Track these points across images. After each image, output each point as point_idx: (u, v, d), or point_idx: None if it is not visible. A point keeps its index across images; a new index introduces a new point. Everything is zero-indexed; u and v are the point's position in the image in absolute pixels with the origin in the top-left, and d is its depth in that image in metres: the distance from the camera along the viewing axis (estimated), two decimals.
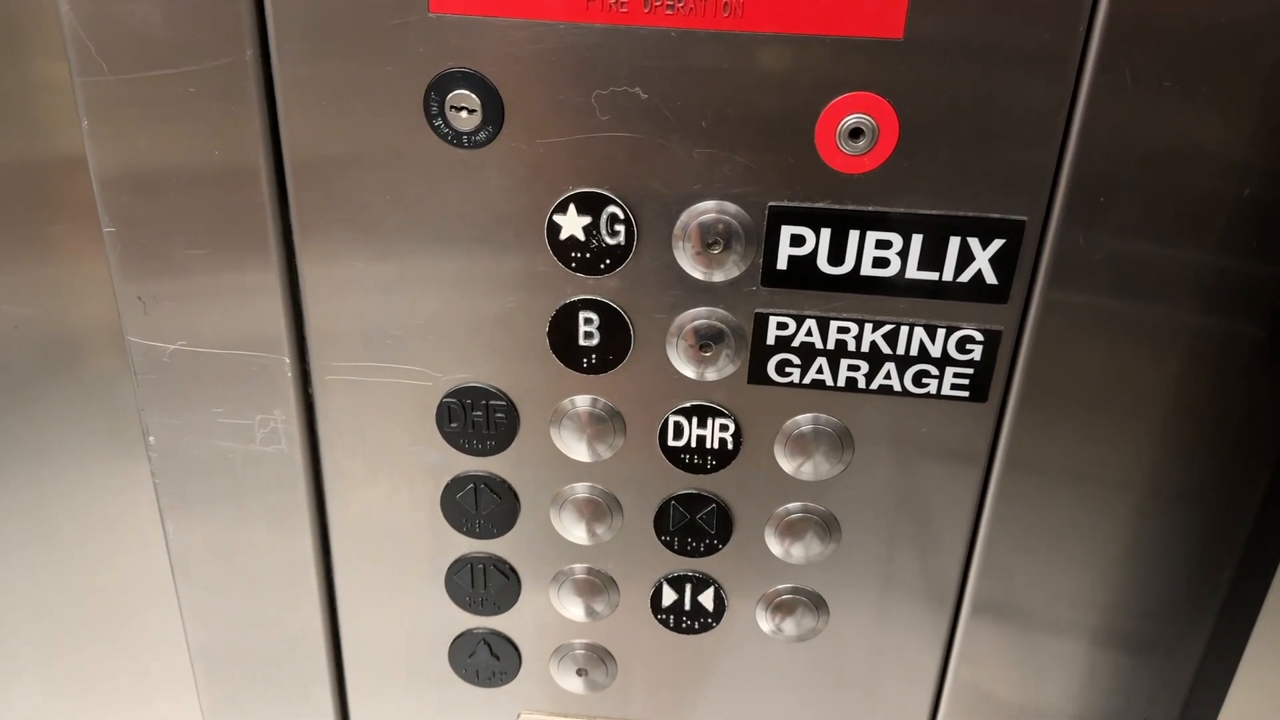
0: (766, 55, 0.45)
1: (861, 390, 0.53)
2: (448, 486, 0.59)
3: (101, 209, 0.52)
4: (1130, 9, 0.43)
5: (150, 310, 0.54)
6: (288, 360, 0.55)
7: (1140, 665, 0.61)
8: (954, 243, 0.49)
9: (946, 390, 0.53)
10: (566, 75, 0.47)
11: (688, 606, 0.61)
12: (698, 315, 0.52)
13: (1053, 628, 0.60)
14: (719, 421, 0.55)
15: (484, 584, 0.62)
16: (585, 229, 0.50)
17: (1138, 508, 0.56)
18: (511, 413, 0.56)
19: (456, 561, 0.61)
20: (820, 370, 0.53)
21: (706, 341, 0.53)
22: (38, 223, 0.59)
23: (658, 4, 0.44)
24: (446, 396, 0.56)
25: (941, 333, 0.51)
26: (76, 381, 0.63)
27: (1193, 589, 0.58)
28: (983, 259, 0.49)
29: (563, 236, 0.51)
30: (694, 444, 0.56)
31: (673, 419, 0.55)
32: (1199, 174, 0.46)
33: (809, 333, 0.52)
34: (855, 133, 0.46)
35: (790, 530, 0.58)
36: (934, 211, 0.48)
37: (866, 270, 0.50)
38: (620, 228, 0.50)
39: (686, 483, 0.58)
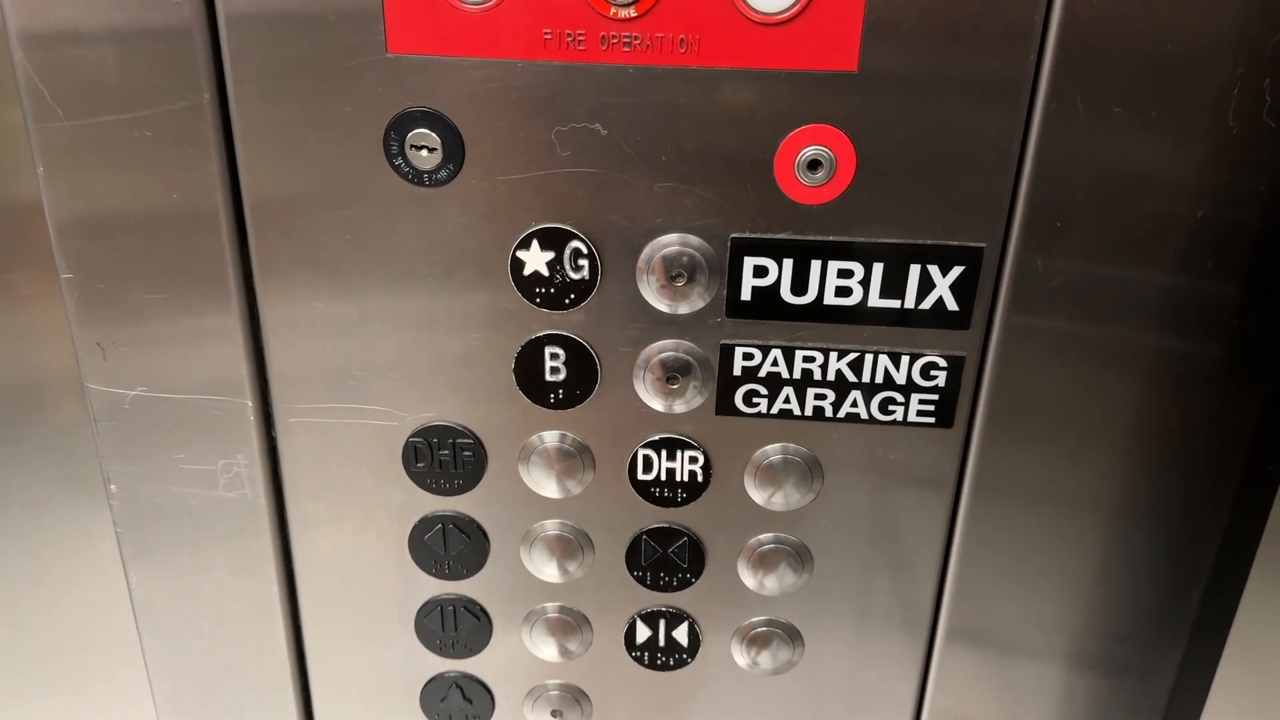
0: (723, 90, 0.46)
1: (829, 419, 0.54)
2: (415, 527, 0.58)
3: (58, 255, 0.51)
4: (1079, 39, 0.44)
5: (109, 356, 0.54)
6: (250, 404, 0.54)
7: (1115, 687, 0.61)
8: (914, 270, 0.49)
9: (913, 417, 0.53)
10: (526, 113, 0.47)
11: (662, 642, 0.61)
12: (664, 348, 0.52)
13: (1027, 652, 0.60)
14: (688, 454, 0.55)
15: (455, 626, 0.61)
16: (549, 264, 0.50)
17: (1106, 529, 0.56)
18: (479, 451, 0.55)
19: (426, 604, 0.60)
20: (787, 400, 0.53)
21: (673, 374, 0.53)
22: None
23: (614, 41, 0.45)
24: (412, 436, 0.55)
25: (905, 360, 0.52)
26: (36, 429, 0.62)
27: (1164, 609, 0.58)
28: (943, 286, 0.49)
29: (526, 272, 0.51)
30: (664, 477, 0.56)
31: (642, 452, 0.55)
32: (1152, 198, 0.47)
33: (775, 363, 0.52)
34: (813, 164, 0.47)
35: (763, 562, 0.58)
36: (894, 240, 0.49)
37: (829, 299, 0.50)
38: (584, 262, 0.50)
39: (657, 516, 0.57)
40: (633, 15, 0.44)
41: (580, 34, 0.45)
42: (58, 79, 0.47)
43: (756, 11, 0.44)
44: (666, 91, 0.46)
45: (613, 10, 0.44)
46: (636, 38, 0.45)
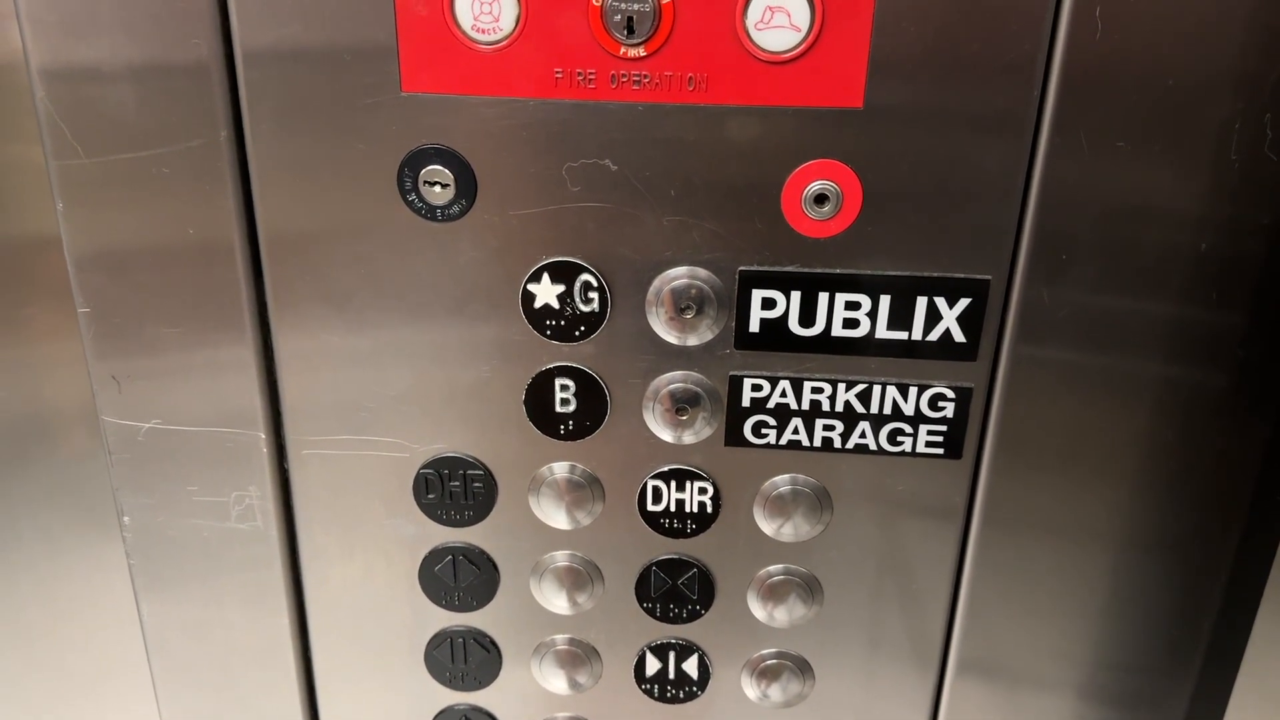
0: (731, 126, 0.46)
1: (837, 450, 0.54)
2: (426, 559, 0.58)
3: (76, 290, 0.52)
4: (1082, 74, 0.45)
5: (124, 389, 0.54)
6: (263, 436, 0.55)
7: (1127, 719, 0.60)
8: (921, 303, 0.50)
9: (921, 448, 0.53)
10: (537, 149, 0.47)
11: (672, 675, 0.61)
12: (673, 379, 0.53)
13: (1037, 684, 0.59)
14: (697, 485, 0.55)
15: (464, 658, 0.61)
16: (559, 297, 0.51)
17: (1116, 559, 0.56)
18: (489, 482, 0.56)
19: (436, 636, 0.60)
20: (796, 431, 0.53)
21: (682, 405, 0.53)
22: (11, 304, 0.59)
23: (624, 79, 0.46)
24: (423, 467, 0.55)
25: (913, 391, 0.52)
26: (49, 462, 0.63)
27: (1175, 640, 0.58)
28: (950, 318, 0.50)
29: (537, 305, 0.51)
30: (673, 508, 0.56)
31: (651, 483, 0.55)
32: (1157, 230, 0.48)
33: (783, 394, 0.53)
34: (820, 199, 0.47)
35: (773, 593, 0.57)
36: (900, 273, 0.49)
37: (837, 331, 0.51)
38: (594, 295, 0.51)
39: (667, 548, 0.57)
40: (642, 55, 0.45)
41: (591, 73, 0.46)
42: (78, 117, 0.48)
43: (763, 50, 0.45)
44: (675, 128, 0.47)
45: (622, 50, 0.45)
46: (646, 76, 0.45)
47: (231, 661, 0.62)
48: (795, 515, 0.55)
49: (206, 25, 0.46)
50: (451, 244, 0.50)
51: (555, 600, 0.58)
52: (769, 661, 0.60)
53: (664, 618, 0.59)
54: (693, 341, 0.52)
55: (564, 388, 0.53)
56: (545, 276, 0.50)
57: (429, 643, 0.61)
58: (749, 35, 0.44)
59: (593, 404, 0.53)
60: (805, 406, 0.53)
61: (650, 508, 0.56)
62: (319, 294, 0.52)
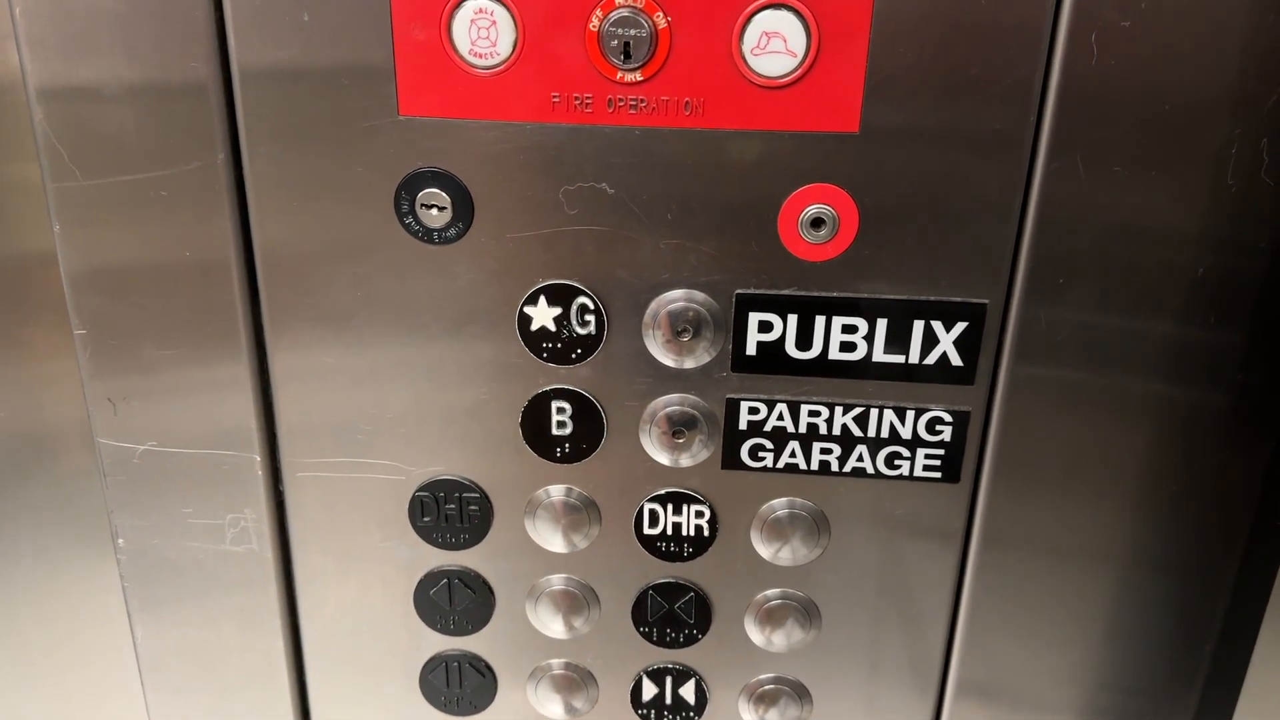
0: (728, 150, 0.46)
1: (835, 473, 0.54)
2: (421, 582, 0.58)
3: (72, 311, 0.52)
4: (1079, 97, 0.45)
5: (120, 411, 0.54)
6: (258, 458, 0.55)
7: None
8: (918, 326, 0.50)
9: (919, 471, 0.53)
10: (534, 173, 0.48)
11: (669, 700, 0.60)
12: (670, 402, 0.53)
13: (1038, 707, 0.59)
14: (694, 508, 0.55)
15: (459, 683, 0.60)
16: (556, 320, 0.51)
17: (1116, 581, 0.55)
18: (485, 505, 0.56)
19: (431, 660, 0.60)
20: (793, 454, 0.53)
21: (679, 428, 0.53)
22: (8, 324, 0.59)
23: (621, 104, 0.46)
24: (419, 490, 0.55)
25: (911, 414, 0.52)
26: (46, 481, 0.63)
27: (1176, 662, 0.57)
28: (947, 341, 0.50)
29: (534, 327, 0.51)
30: (670, 531, 0.56)
31: (648, 507, 0.55)
32: (1154, 253, 0.48)
33: (780, 417, 0.52)
34: (816, 222, 0.47)
35: (770, 617, 0.57)
36: (897, 296, 0.49)
37: (834, 354, 0.51)
38: (590, 318, 0.51)
39: (664, 571, 0.57)
40: (639, 79, 0.45)
41: (588, 97, 0.46)
42: (76, 139, 0.48)
43: (759, 75, 0.45)
44: (672, 152, 0.47)
45: (619, 74, 0.45)
46: (643, 100, 0.46)
47: (225, 683, 0.61)
48: (793, 539, 0.55)
49: (205, 47, 0.46)
50: (448, 266, 0.50)
51: (551, 624, 0.58)
52: (767, 686, 0.59)
53: (661, 642, 0.59)
54: (690, 364, 0.51)
55: (560, 410, 0.53)
56: (542, 299, 0.50)
57: (424, 666, 0.60)
58: (745, 60, 0.45)
59: (589, 426, 0.53)
60: (802, 429, 0.53)
61: (647, 531, 0.56)
62: (315, 315, 0.51)
